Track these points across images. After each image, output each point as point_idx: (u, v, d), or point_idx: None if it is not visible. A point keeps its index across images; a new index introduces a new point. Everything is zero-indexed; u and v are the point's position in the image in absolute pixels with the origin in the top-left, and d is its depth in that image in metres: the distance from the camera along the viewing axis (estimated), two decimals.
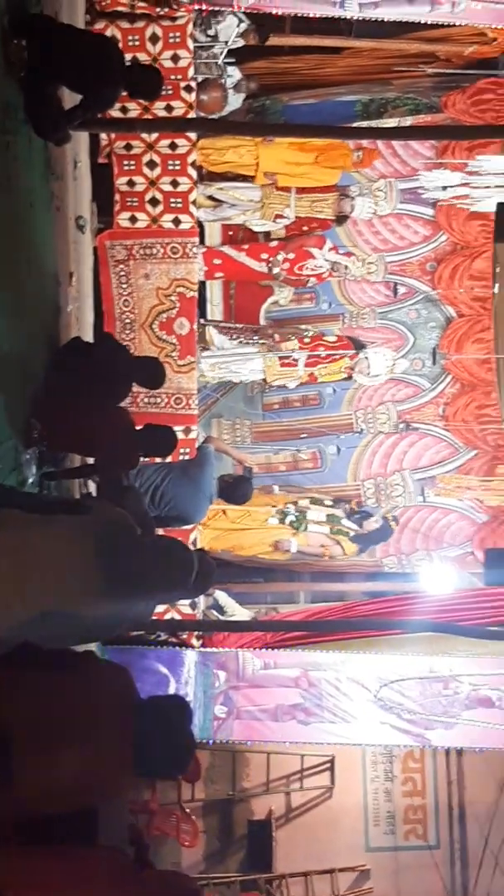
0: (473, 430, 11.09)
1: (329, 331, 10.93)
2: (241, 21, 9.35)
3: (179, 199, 9.13)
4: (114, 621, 3.82)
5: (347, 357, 10.53)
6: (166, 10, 8.67)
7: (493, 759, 9.03)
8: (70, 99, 6.58)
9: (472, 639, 8.36)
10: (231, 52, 9.60)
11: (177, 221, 9.17)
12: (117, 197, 9.13)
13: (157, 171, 9.06)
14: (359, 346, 10.76)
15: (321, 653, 8.55)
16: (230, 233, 10.63)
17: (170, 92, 8.68)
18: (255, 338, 10.48)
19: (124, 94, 6.42)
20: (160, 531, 8.16)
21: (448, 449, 11.29)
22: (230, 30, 9.35)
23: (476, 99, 10.40)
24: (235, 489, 7.51)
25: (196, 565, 4.23)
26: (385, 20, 9.24)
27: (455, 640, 8.50)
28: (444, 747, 9.31)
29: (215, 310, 10.87)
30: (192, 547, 8.89)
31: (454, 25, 9.54)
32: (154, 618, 7.89)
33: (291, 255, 10.35)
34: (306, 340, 10.53)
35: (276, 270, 10.32)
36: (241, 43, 9.58)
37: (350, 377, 10.72)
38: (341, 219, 10.58)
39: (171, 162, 9.05)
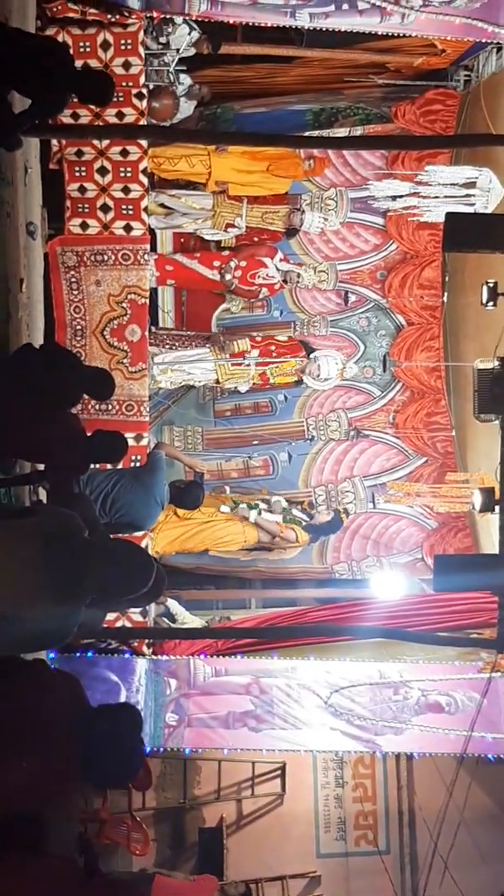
0: (423, 437, 11.20)
1: (276, 317, 11.04)
2: (192, 29, 9.38)
3: (131, 206, 9.11)
4: (65, 627, 3.79)
5: (298, 359, 10.60)
6: (117, 17, 8.67)
7: (442, 764, 9.07)
8: (21, 104, 6.55)
9: (422, 645, 8.42)
10: (182, 60, 9.62)
11: (128, 228, 9.15)
12: (68, 203, 9.09)
13: (109, 177, 9.03)
14: (310, 350, 10.83)
15: (272, 659, 8.55)
16: (182, 241, 10.63)
17: (121, 99, 8.68)
18: (206, 345, 10.49)
19: (75, 99, 6.41)
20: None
21: (398, 456, 11.39)
22: (182, 38, 9.37)
23: (425, 109, 10.51)
24: (187, 494, 7.52)
25: (155, 567, 4.20)
26: (336, 30, 9.31)
27: (405, 646, 8.55)
28: (394, 753, 9.34)
29: (167, 317, 10.88)
30: None
31: (404, 36, 9.63)
32: (105, 626, 7.85)
33: (243, 263, 10.38)
34: (258, 339, 10.58)
35: (227, 277, 10.33)
36: (193, 52, 9.61)
37: (301, 380, 10.77)
38: (291, 232, 10.64)
39: (122, 169, 9.04)
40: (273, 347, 10.58)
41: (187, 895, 8.74)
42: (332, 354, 10.81)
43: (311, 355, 10.71)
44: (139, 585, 3.95)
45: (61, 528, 3.83)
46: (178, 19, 9.15)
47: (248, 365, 10.36)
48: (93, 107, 8.31)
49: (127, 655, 8.42)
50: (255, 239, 10.58)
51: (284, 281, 10.62)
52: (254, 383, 10.59)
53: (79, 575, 3.65)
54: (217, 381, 10.49)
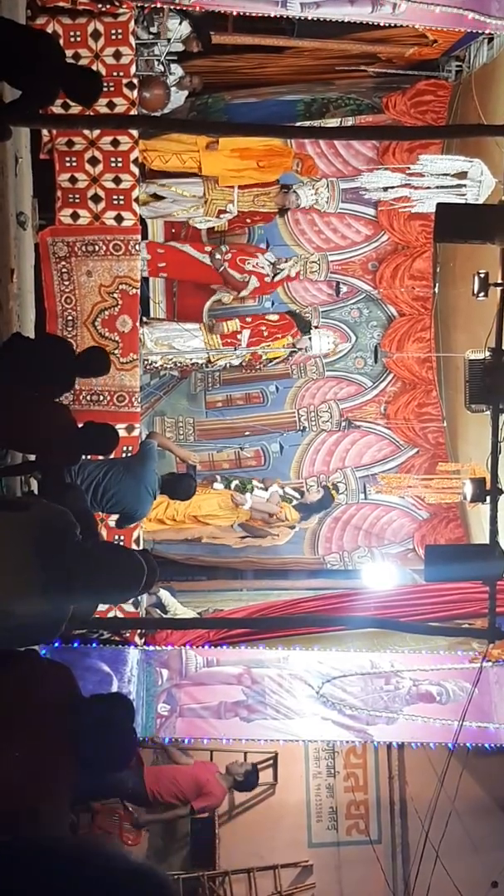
0: (414, 427, 11.22)
1: (268, 308, 11.04)
2: (183, 19, 9.34)
3: (122, 196, 9.09)
4: (53, 624, 3.79)
5: (290, 335, 10.60)
6: (108, 6, 8.63)
7: (433, 753, 9.09)
8: (10, 94, 6.53)
9: (413, 635, 8.44)
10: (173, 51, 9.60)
11: (119, 218, 9.13)
12: (59, 193, 9.07)
13: (100, 167, 9.01)
14: (301, 322, 10.81)
15: (264, 650, 8.56)
16: (173, 230, 10.62)
17: (112, 89, 8.66)
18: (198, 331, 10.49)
19: None
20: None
21: (390, 447, 11.41)
22: (172, 28, 9.34)
23: (416, 100, 10.51)
24: (178, 485, 7.53)
25: (146, 570, 4.20)
26: (327, 20, 9.28)
27: (396, 636, 8.56)
28: (386, 742, 9.37)
29: (158, 308, 10.85)
30: (135, 546, 8.88)
31: (395, 26, 9.62)
32: (96, 616, 7.85)
33: (234, 249, 10.41)
34: (248, 319, 10.57)
35: (217, 257, 10.31)
36: (182, 48, 9.58)
37: (294, 352, 10.74)
38: (283, 211, 10.64)
39: (113, 159, 9.01)
40: (264, 327, 10.57)
41: (184, 777, 8.78)
42: (323, 332, 10.83)
43: (304, 335, 10.69)
44: (128, 592, 3.97)
45: (55, 525, 3.83)
46: (169, 8, 9.12)
47: (239, 341, 10.35)
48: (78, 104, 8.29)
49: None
50: (248, 221, 10.60)
51: (274, 276, 10.62)
52: (245, 360, 10.55)
53: (69, 575, 3.65)
54: (209, 361, 10.46)
